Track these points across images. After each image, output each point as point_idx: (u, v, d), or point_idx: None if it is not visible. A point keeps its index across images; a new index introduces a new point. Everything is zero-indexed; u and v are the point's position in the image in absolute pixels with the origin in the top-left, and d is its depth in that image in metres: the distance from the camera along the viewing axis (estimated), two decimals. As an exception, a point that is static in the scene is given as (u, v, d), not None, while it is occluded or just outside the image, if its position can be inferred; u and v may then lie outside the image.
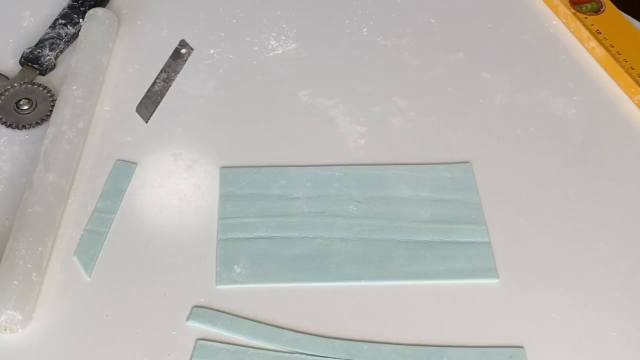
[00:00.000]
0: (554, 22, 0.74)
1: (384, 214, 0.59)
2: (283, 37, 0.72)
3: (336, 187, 0.60)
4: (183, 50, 0.70)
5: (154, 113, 0.65)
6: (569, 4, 0.73)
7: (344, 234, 0.57)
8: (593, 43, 0.71)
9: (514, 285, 0.55)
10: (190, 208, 0.59)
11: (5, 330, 0.51)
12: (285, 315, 0.53)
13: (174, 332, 0.52)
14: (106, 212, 0.58)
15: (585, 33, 0.71)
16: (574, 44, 0.72)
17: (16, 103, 0.64)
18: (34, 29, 0.71)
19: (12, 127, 0.63)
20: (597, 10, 0.73)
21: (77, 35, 0.69)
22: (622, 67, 0.68)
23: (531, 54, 0.72)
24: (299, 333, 0.52)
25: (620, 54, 0.69)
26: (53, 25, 0.70)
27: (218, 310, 0.53)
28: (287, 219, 0.58)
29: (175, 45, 0.70)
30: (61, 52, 0.69)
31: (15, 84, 0.65)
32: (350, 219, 0.58)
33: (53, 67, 0.68)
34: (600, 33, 0.71)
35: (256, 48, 0.71)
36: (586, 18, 0.72)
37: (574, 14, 0.73)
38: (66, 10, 0.71)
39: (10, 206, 0.58)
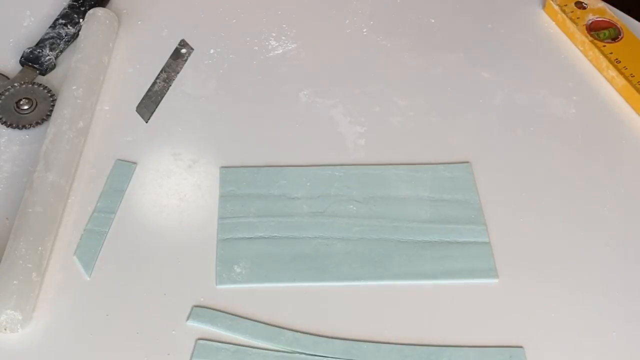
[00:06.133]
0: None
1: (384, 214, 0.59)
2: (283, 37, 0.72)
3: (336, 187, 0.60)
4: (183, 50, 0.70)
5: (154, 113, 0.65)
6: (585, 31, 0.70)
7: (343, 234, 0.57)
8: (612, 72, 0.68)
9: (513, 285, 0.55)
10: (190, 208, 0.59)
11: (5, 330, 0.51)
12: (285, 315, 0.53)
13: (174, 332, 0.52)
14: (106, 212, 0.58)
15: (604, 62, 0.68)
16: (571, 46, 0.72)
17: (16, 103, 0.64)
18: (34, 29, 0.71)
19: (12, 127, 0.63)
20: (615, 38, 0.70)
21: (77, 35, 0.69)
22: None
23: (531, 54, 0.72)
24: (299, 333, 0.52)
25: None
26: (53, 25, 0.70)
27: (218, 310, 0.53)
28: (287, 219, 0.58)
29: (175, 45, 0.70)
30: (61, 52, 0.69)
31: (16, 84, 0.65)
32: (350, 219, 0.58)
33: (53, 67, 0.68)
34: (620, 62, 0.68)
35: (256, 48, 0.71)
36: (604, 46, 0.69)
37: (591, 41, 0.69)
38: (66, 10, 0.71)
39: (10, 206, 0.58)
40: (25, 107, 0.64)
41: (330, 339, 0.52)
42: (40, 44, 0.68)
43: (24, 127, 0.63)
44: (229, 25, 0.73)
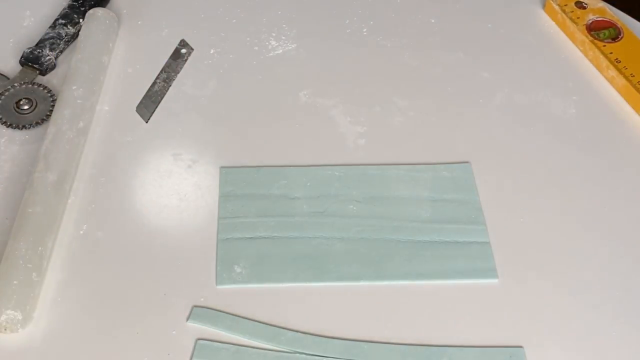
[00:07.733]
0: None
1: (384, 214, 0.59)
2: (283, 37, 0.72)
3: (336, 187, 0.60)
4: (183, 50, 0.70)
5: (154, 113, 0.65)
6: (585, 31, 0.70)
7: (343, 234, 0.57)
8: (612, 72, 0.67)
9: (513, 285, 0.55)
10: (190, 208, 0.59)
11: (5, 330, 0.51)
12: (285, 315, 0.53)
13: (174, 332, 0.52)
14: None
15: (604, 62, 0.68)
16: (571, 46, 0.72)
17: (16, 103, 0.64)
18: (34, 29, 0.71)
19: (12, 127, 0.63)
20: (615, 37, 0.69)
21: (77, 35, 0.69)
22: None
23: (531, 54, 0.72)
24: (299, 333, 0.52)
25: None
26: (53, 25, 0.70)
27: (218, 310, 0.53)
28: (287, 219, 0.58)
29: (175, 45, 0.70)
30: (61, 52, 0.69)
31: (16, 84, 0.65)
32: (350, 218, 0.58)
33: (53, 67, 0.68)
34: (620, 62, 0.67)
35: (256, 48, 0.71)
36: (604, 46, 0.69)
37: (591, 41, 0.69)
38: (66, 10, 0.71)
39: (10, 206, 0.58)
40: (25, 107, 0.64)
41: (330, 339, 0.52)
42: (40, 44, 0.68)
43: (24, 127, 0.63)
44: (229, 25, 0.73)
